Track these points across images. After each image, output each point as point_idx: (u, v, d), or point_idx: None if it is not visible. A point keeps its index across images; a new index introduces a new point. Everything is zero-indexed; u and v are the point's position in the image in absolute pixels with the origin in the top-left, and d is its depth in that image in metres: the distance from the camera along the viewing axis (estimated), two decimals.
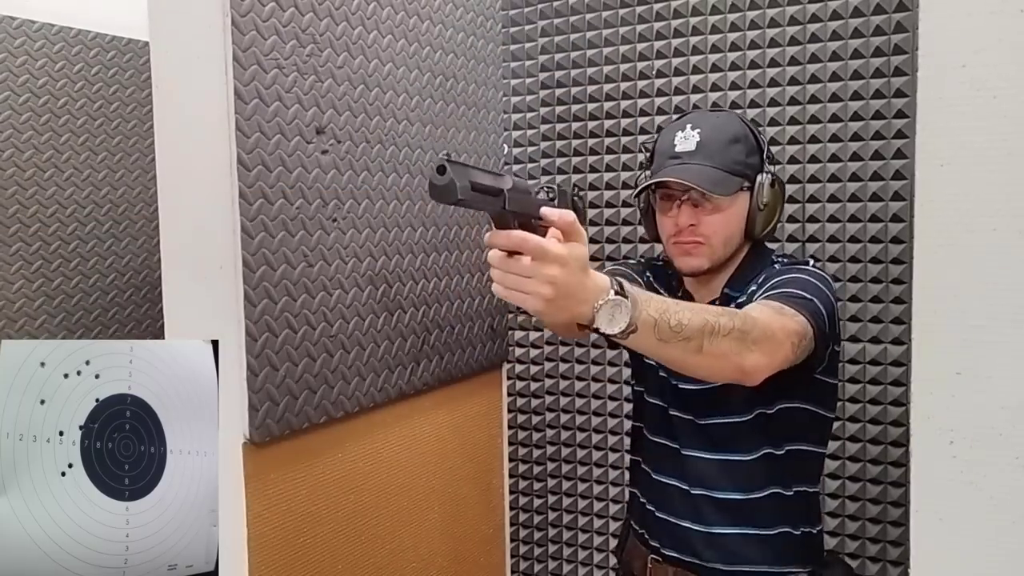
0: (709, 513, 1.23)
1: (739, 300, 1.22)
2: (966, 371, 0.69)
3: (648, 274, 1.38)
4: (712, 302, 1.25)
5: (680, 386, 1.25)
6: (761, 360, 1.02)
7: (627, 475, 1.73)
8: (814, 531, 1.25)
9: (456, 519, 1.52)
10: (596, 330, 0.92)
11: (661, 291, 1.34)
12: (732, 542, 1.21)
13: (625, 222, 1.76)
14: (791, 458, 1.21)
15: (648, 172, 1.30)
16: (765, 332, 1.03)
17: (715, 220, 1.21)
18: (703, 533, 1.23)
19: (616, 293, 0.91)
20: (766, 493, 1.20)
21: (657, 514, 1.30)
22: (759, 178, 1.21)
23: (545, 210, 0.94)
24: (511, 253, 0.91)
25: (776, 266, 1.24)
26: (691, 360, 0.99)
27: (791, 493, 1.21)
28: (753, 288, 1.22)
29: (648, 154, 1.31)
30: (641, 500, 1.35)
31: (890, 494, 1.52)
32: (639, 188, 1.25)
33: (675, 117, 1.35)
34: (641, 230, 1.70)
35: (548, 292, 0.89)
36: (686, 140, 1.21)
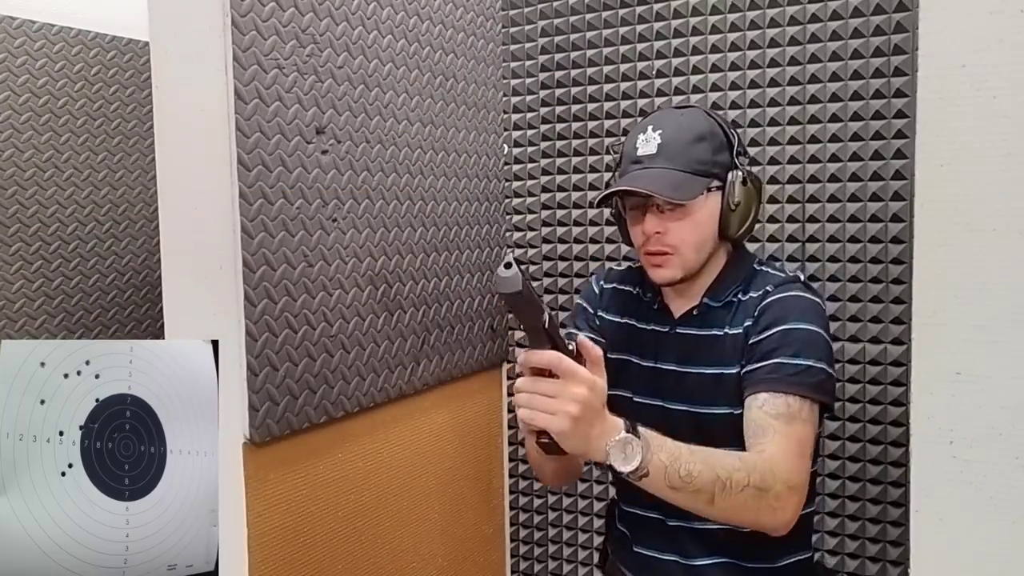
0: (689, 545, 1.19)
1: (716, 308, 1.19)
2: (966, 371, 0.69)
3: (603, 301, 1.33)
4: (691, 311, 1.22)
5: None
6: (783, 517, 1.02)
7: None
8: (802, 558, 1.20)
9: (456, 519, 1.52)
10: (611, 468, 0.96)
11: (634, 294, 1.30)
12: (712, 574, 1.18)
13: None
14: None
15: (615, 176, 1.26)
16: (788, 484, 1.01)
17: (682, 227, 1.15)
18: (683, 566, 1.19)
19: (628, 431, 0.96)
20: None
21: (635, 548, 1.26)
22: (730, 176, 1.15)
23: (582, 338, 1.00)
24: (540, 372, 0.96)
25: (760, 279, 1.19)
26: (705, 510, 1.00)
27: None
28: (736, 299, 1.18)
29: (616, 157, 1.26)
30: (620, 529, 1.32)
31: (890, 494, 1.52)
32: (598, 197, 1.19)
33: (639, 119, 1.30)
34: None
35: (575, 410, 0.92)
36: (647, 143, 1.15)
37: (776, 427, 1.05)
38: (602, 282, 1.37)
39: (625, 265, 1.41)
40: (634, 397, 1.26)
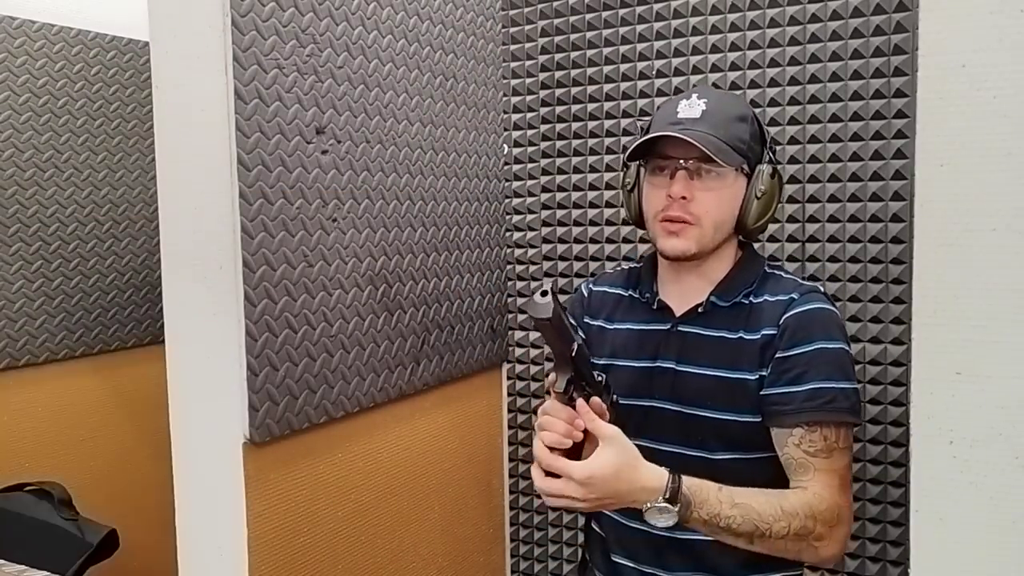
0: (672, 557, 1.17)
1: (724, 309, 1.16)
2: (966, 371, 0.69)
3: (591, 306, 1.30)
4: (695, 308, 1.18)
5: (659, 447, 1.18)
6: (828, 552, 1.06)
7: None
8: (793, 574, 1.19)
9: (456, 519, 1.52)
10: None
11: (630, 297, 1.27)
12: None
13: (625, 222, 1.76)
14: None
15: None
16: (829, 521, 1.04)
17: (709, 198, 1.11)
18: None
19: (669, 494, 1.00)
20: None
21: (612, 556, 1.24)
22: (759, 166, 1.14)
23: (595, 401, 1.06)
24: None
25: (775, 283, 1.16)
26: (748, 548, 1.05)
27: None
28: (747, 301, 1.15)
29: (646, 123, 1.22)
30: (597, 532, 1.29)
31: (890, 494, 1.52)
32: (633, 146, 1.13)
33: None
34: (640, 231, 1.70)
35: (583, 506, 1.02)
36: (691, 107, 1.12)
37: (816, 464, 1.07)
38: (591, 285, 1.34)
39: (622, 267, 1.37)
40: (626, 401, 1.21)
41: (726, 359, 1.15)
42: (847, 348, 1.12)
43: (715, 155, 1.07)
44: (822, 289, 1.19)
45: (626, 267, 1.35)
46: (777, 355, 1.11)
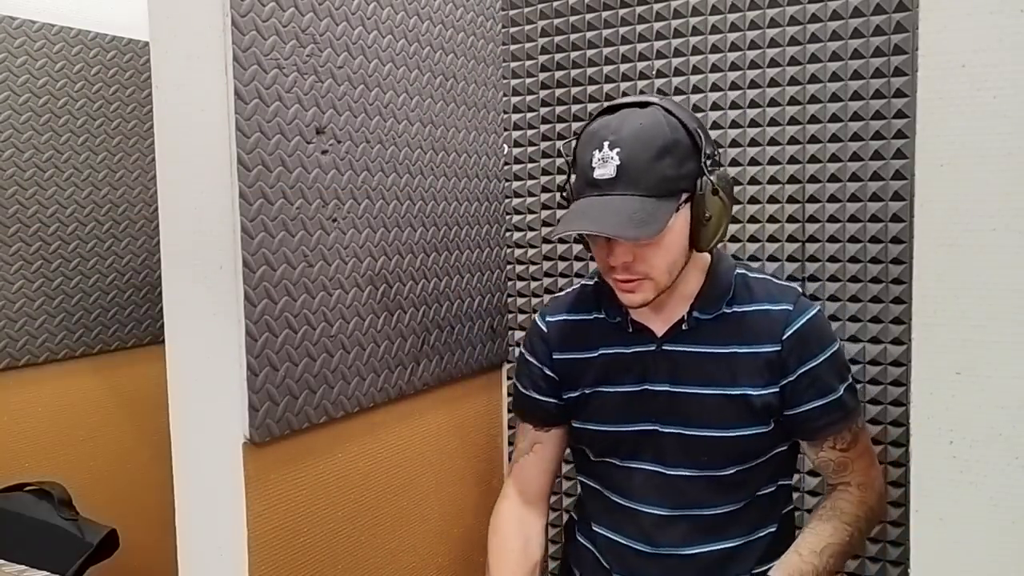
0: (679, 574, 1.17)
1: (707, 322, 1.14)
2: (966, 371, 0.69)
3: (554, 341, 1.24)
4: (677, 326, 1.15)
5: (660, 470, 1.17)
6: (883, 512, 1.24)
7: None
8: None
9: (456, 519, 1.52)
10: None
11: (596, 320, 1.22)
12: None
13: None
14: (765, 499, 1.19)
15: (566, 193, 1.13)
16: (879, 497, 1.19)
17: (652, 253, 1.06)
18: None
19: None
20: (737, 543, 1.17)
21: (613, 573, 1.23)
22: (699, 184, 1.05)
23: None
24: None
25: (756, 287, 1.15)
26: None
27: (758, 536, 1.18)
28: (731, 310, 1.13)
29: (569, 162, 1.12)
30: (586, 547, 1.28)
31: (890, 494, 1.51)
32: (554, 234, 1.06)
33: (595, 112, 1.12)
34: None
35: None
36: (604, 164, 1.03)
37: (851, 456, 1.15)
38: (548, 317, 1.27)
39: (574, 287, 1.29)
40: (612, 428, 1.19)
41: (722, 375, 1.13)
42: (840, 343, 1.19)
43: (637, 234, 1.01)
44: (799, 288, 1.20)
45: (576, 287, 1.29)
46: (793, 372, 1.12)
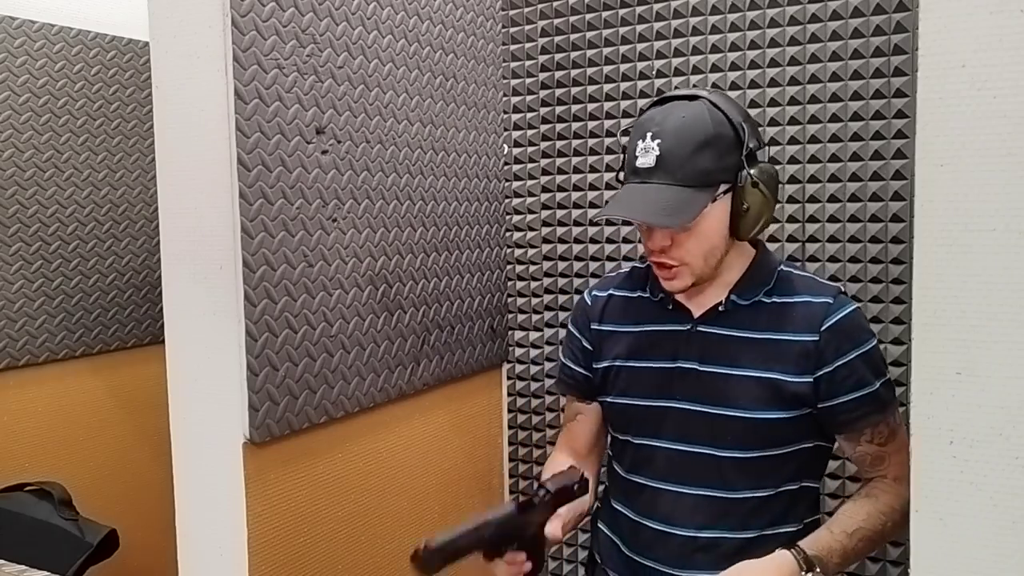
0: (699, 559, 1.17)
1: (744, 307, 1.17)
2: (966, 371, 0.69)
3: (601, 312, 1.28)
4: (715, 308, 1.18)
5: (684, 448, 1.19)
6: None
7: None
8: None
9: (456, 519, 1.52)
10: None
11: (642, 298, 1.26)
12: None
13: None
14: (787, 496, 1.18)
15: (619, 177, 1.20)
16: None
17: (688, 240, 1.11)
18: None
19: (806, 566, 1.04)
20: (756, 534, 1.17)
21: (634, 557, 1.23)
22: (740, 177, 1.10)
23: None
24: None
25: (798, 283, 1.17)
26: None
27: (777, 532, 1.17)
28: (768, 300, 1.16)
29: (623, 153, 1.21)
30: (612, 540, 1.29)
31: None
32: (597, 215, 1.14)
33: (646, 106, 1.18)
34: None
35: None
36: (646, 153, 1.09)
37: (888, 450, 1.15)
38: (595, 292, 1.32)
39: (625, 268, 1.35)
40: (639, 402, 1.23)
41: (754, 358, 1.15)
42: (876, 339, 1.18)
43: (667, 221, 1.07)
44: (841, 287, 1.21)
45: (627, 268, 1.34)
46: (831, 364, 1.13)
